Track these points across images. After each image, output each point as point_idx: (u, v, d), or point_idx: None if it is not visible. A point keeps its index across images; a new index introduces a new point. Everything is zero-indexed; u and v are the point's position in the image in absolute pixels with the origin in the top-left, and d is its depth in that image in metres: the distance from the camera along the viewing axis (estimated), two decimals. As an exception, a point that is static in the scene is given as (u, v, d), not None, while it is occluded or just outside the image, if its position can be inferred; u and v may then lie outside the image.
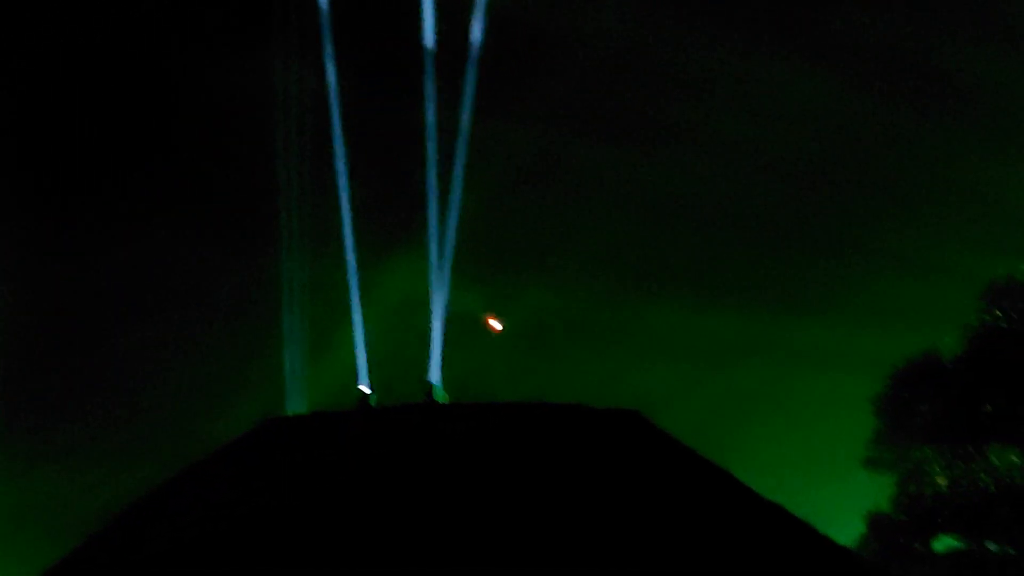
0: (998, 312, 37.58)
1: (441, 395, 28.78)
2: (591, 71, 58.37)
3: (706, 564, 17.56)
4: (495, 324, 44.08)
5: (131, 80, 54.48)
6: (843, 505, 40.25)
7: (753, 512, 21.16)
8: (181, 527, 19.69)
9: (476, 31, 37.02)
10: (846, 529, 37.64)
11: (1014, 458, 35.57)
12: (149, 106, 54.94)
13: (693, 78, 59.06)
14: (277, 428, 25.02)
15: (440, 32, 35.83)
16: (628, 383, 55.67)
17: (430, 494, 18.79)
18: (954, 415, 36.32)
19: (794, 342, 56.50)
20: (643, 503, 19.57)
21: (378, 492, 19.19)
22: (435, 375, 32.03)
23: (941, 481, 36.29)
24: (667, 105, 58.62)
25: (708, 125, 59.73)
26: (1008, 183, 57.10)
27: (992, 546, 35.52)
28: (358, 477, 20.45)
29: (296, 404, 36.24)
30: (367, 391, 30.84)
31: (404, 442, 22.06)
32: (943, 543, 36.27)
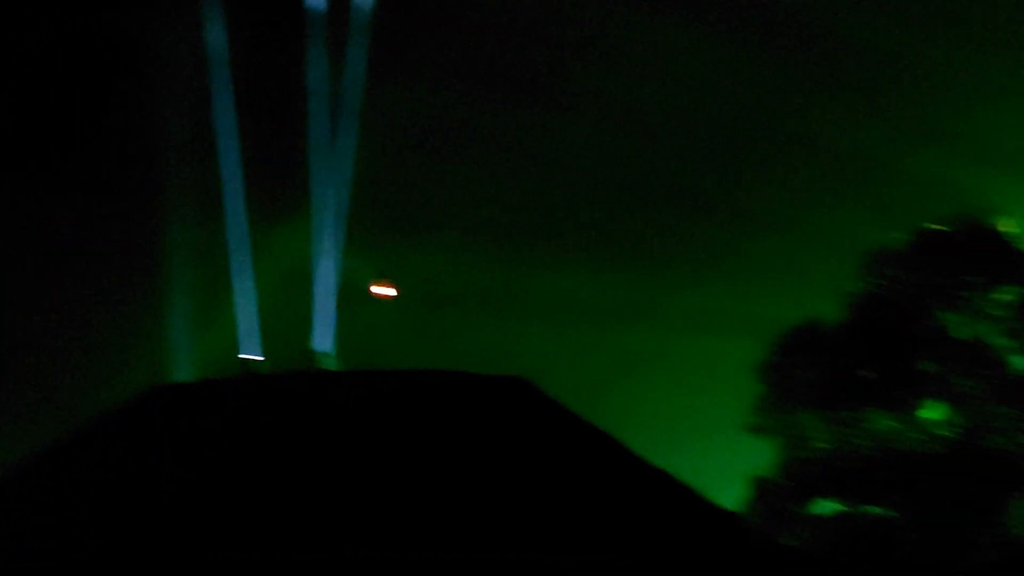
0: (877, 280, 38.29)
1: (330, 362, 28.59)
2: (485, 35, 58.06)
3: (589, 530, 17.69)
4: (385, 291, 43.71)
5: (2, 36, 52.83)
6: (728, 469, 40.65)
7: (637, 477, 21.37)
8: (60, 497, 19.30)
9: (366, -7, 36.63)
10: (730, 493, 38.14)
11: (892, 423, 36.34)
12: (28, 67, 53.40)
13: (585, 43, 59.04)
14: (163, 396, 24.68)
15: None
16: (518, 348, 55.63)
17: (311, 463, 18.69)
18: (835, 381, 36.93)
19: (682, 307, 56.95)
20: (526, 470, 19.64)
21: (260, 461, 19.04)
22: (324, 342, 31.77)
23: (823, 446, 36.91)
24: (559, 70, 58.59)
25: (598, 89, 59.77)
26: (892, 152, 58.01)
27: (871, 509, 36.24)
28: (240, 446, 20.25)
29: (183, 372, 35.71)
30: (254, 359, 30.50)
31: (288, 410, 21.89)
32: (824, 506, 36.89)
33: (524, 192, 60.11)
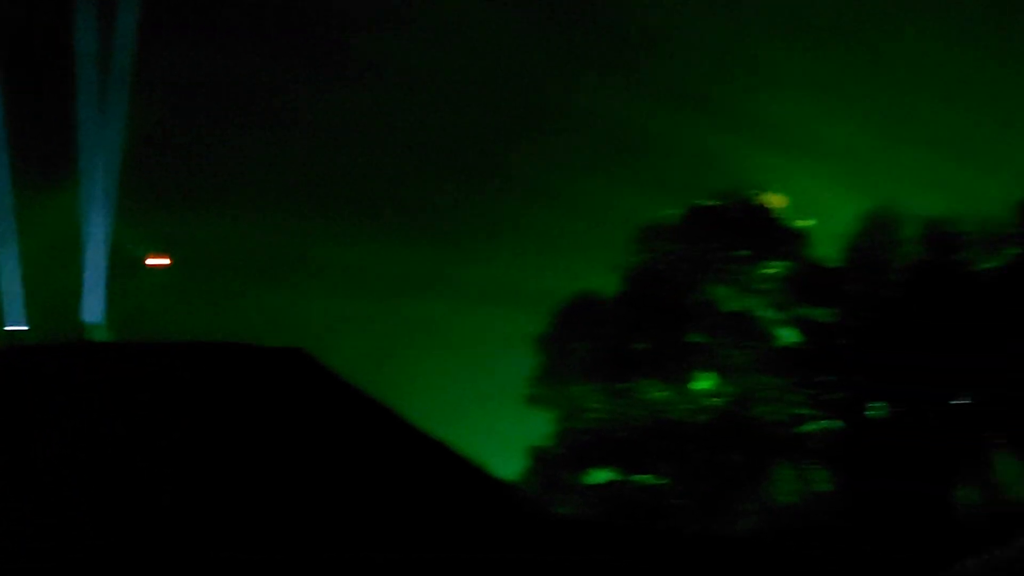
0: (651, 254, 39.05)
1: (101, 333, 27.62)
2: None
3: (363, 504, 17.53)
4: (159, 260, 42.44)
5: None
6: (506, 440, 40.92)
7: (416, 450, 21.29)
8: None
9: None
10: (509, 464, 38.43)
11: (664, 393, 37.20)
12: None
13: (365, 10, 58.34)
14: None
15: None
16: (298, 319, 54.81)
17: (71, 439, 17.98)
18: (610, 353, 37.54)
19: (462, 278, 57.00)
20: (301, 444, 19.34)
21: (15, 438, 18.22)
22: (95, 313, 30.64)
23: (598, 416, 37.50)
24: (340, 37, 57.73)
25: (379, 58, 59.13)
26: (667, 128, 59.18)
27: (643, 478, 37.06)
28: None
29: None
30: (18, 329, 29.27)
31: (50, 384, 21.01)
32: (599, 476, 37.53)
33: (305, 160, 59.09)
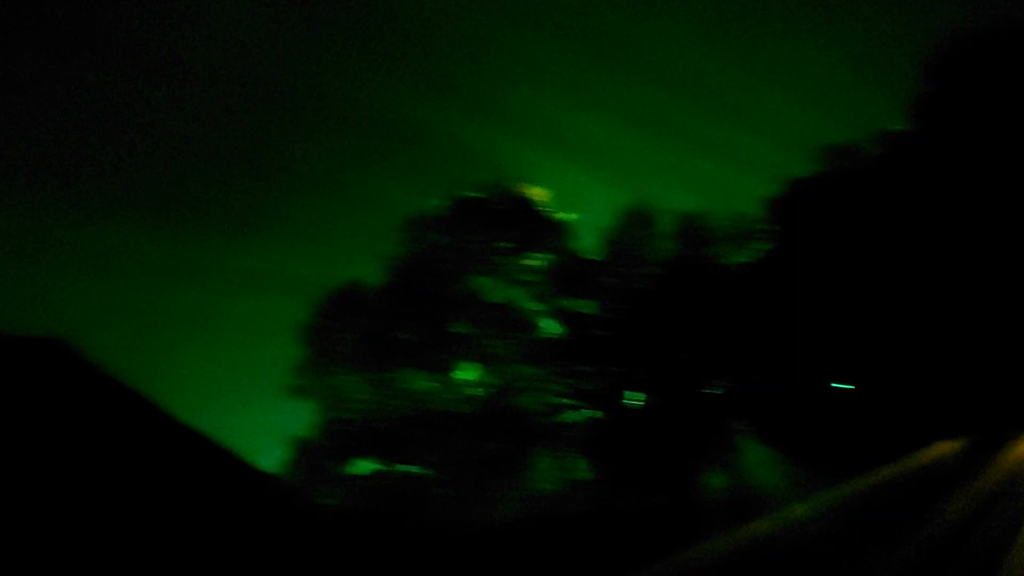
0: (417, 244, 39.24)
1: None
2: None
3: (120, 496, 17.19)
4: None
5: None
6: (270, 431, 40.57)
7: (174, 441, 20.94)
8: None
9: None
10: (271, 454, 38.12)
11: (428, 383, 37.43)
12: None
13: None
14: None
15: None
16: (58, 305, 53.12)
17: None
18: (375, 343, 37.55)
19: (227, 267, 56.25)
20: (58, 435, 18.81)
21: None
22: None
23: (362, 406, 37.46)
24: (100, 23, 56.19)
25: (146, 43, 57.83)
26: (434, 121, 59.69)
27: (407, 468, 37.19)
28: None
29: None
30: None
31: None
32: (362, 466, 37.46)
33: (72, 143, 57.32)
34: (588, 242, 40.36)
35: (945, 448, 28.55)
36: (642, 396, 36.65)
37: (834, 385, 31.30)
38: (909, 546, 22.15)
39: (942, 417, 28.84)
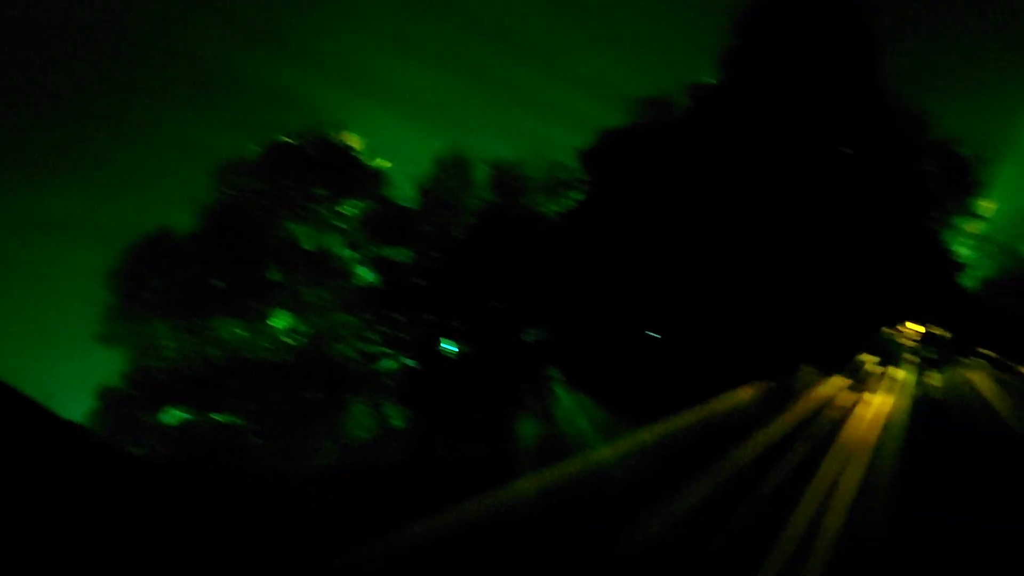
0: (230, 190, 38.56)
1: None
2: None
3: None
4: None
5: None
6: (75, 380, 39.67)
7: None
8: None
9: None
10: (77, 405, 37.26)
11: (241, 331, 36.97)
12: None
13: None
14: None
15: None
16: None
17: None
18: (186, 290, 36.84)
19: (29, 211, 54.54)
20: None
21: None
22: None
23: (173, 355, 36.80)
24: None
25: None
26: (246, 64, 58.78)
27: (218, 416, 36.72)
28: None
29: None
30: None
31: None
32: (173, 415, 36.82)
33: None
34: (405, 191, 40.36)
35: (745, 394, 29.48)
36: (457, 345, 36.87)
37: (646, 333, 31.95)
38: (705, 487, 22.85)
39: (744, 363, 29.75)
